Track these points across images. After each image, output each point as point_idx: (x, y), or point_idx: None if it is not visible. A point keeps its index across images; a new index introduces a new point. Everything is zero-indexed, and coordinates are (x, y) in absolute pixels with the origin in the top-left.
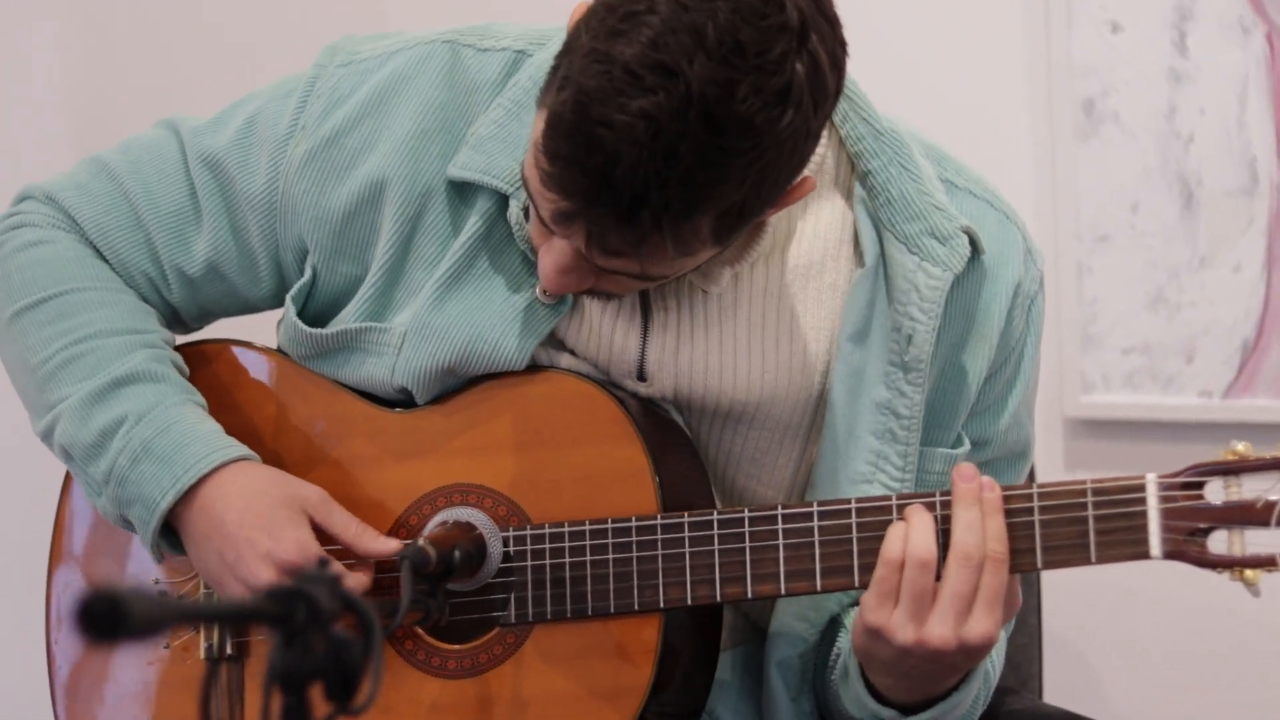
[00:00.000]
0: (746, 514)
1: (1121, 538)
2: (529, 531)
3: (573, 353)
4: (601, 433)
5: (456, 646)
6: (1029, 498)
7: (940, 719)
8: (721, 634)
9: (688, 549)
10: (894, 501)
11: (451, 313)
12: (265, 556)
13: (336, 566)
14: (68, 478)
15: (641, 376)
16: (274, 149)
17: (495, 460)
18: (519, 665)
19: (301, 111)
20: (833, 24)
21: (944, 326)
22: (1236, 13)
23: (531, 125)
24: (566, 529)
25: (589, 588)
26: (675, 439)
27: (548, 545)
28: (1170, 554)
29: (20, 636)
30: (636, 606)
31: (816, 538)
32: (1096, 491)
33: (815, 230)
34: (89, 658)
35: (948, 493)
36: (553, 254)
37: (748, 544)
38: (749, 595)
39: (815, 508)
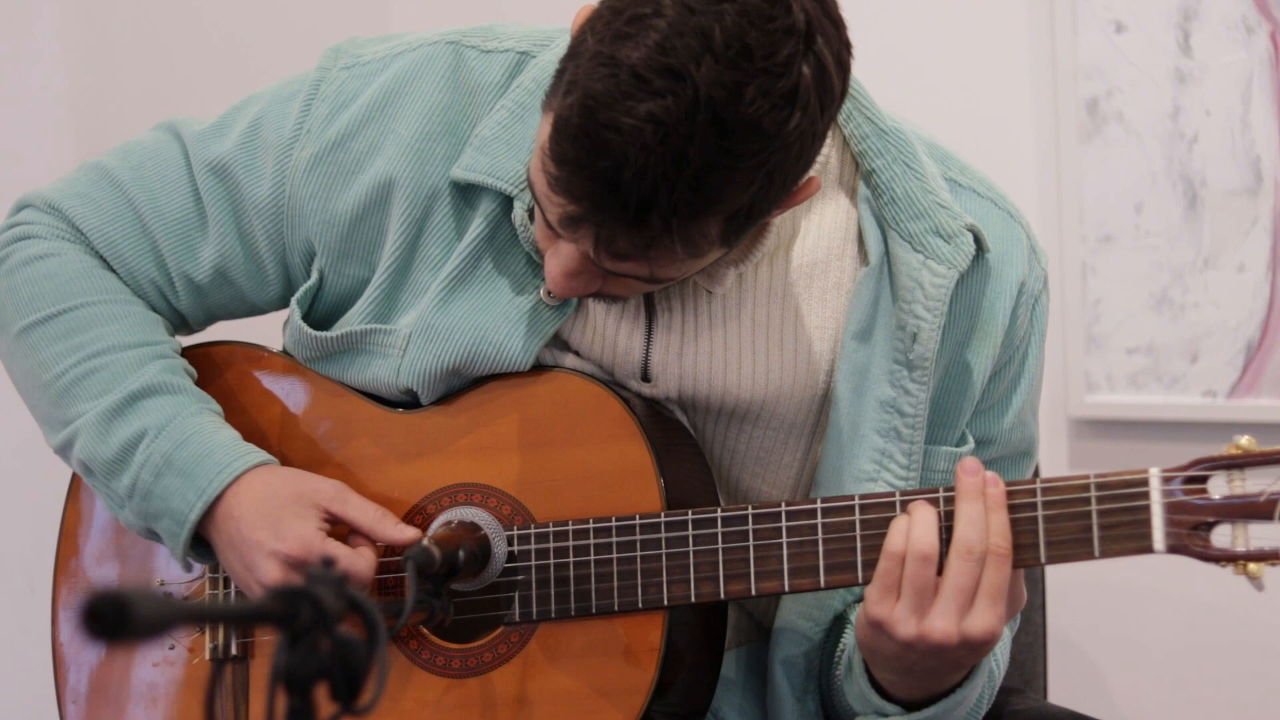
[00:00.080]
0: (750, 511)
1: (1125, 532)
2: (533, 530)
3: (577, 353)
4: (606, 432)
5: (461, 645)
6: (1032, 492)
7: (943, 716)
8: (726, 633)
9: (691, 547)
10: (898, 498)
11: (456, 314)
12: (271, 554)
13: (340, 551)
14: (73, 481)
15: (646, 377)
16: (279, 153)
17: (500, 460)
18: (523, 664)
19: (306, 115)
20: (838, 25)
21: (948, 324)
22: (1240, 13)
23: (535, 127)
24: (570, 528)
25: (593, 586)
26: (680, 438)
27: (552, 544)
28: (1174, 548)
29: (25, 638)
30: (640, 605)
31: (820, 534)
32: (1100, 486)
33: (820, 229)
34: (95, 659)
35: (952, 488)
36: (559, 258)
37: (751, 541)
38: (753, 592)
39: (819, 504)
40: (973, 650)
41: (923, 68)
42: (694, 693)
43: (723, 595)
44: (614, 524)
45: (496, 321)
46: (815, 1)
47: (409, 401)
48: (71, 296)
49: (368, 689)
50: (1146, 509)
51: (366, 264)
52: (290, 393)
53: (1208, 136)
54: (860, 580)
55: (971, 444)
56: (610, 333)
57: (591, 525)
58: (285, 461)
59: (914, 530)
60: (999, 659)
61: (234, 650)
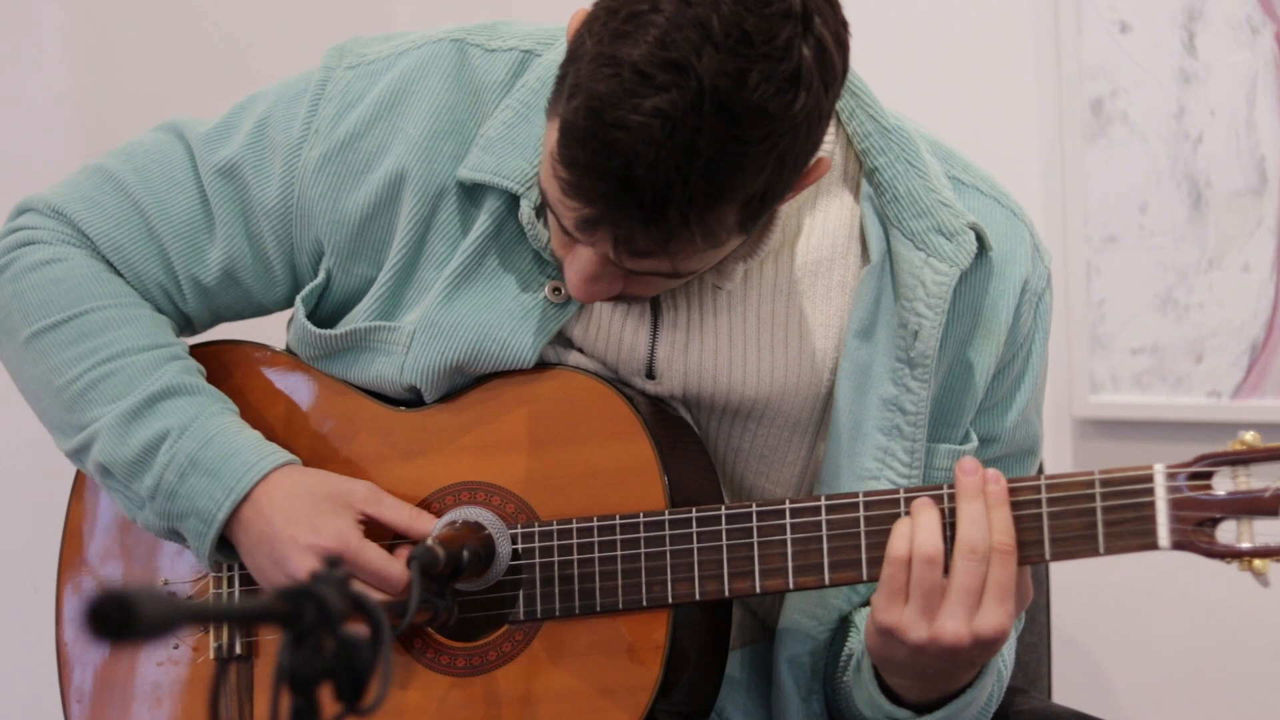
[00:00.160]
0: (754, 509)
1: (1130, 528)
2: (537, 529)
3: (581, 351)
4: (610, 430)
5: (465, 644)
6: (1037, 489)
7: (955, 717)
8: (731, 633)
9: (695, 544)
10: (901, 495)
11: (461, 311)
12: (308, 548)
13: (377, 553)
14: (77, 480)
15: (650, 374)
16: (288, 153)
17: (504, 458)
18: (528, 663)
19: (314, 115)
20: (833, 4)
21: (950, 323)
22: (1245, 13)
23: (540, 125)
24: (575, 526)
25: (597, 584)
26: (684, 436)
27: (556, 542)
28: (1179, 544)
29: (29, 637)
30: (645, 603)
31: (824, 532)
32: (1104, 483)
33: (824, 227)
34: (99, 658)
35: (955, 486)
36: (579, 263)
37: (755, 539)
38: (757, 590)
39: (823, 502)
40: (984, 649)
41: (927, 67)
42: (698, 692)
43: (727, 593)
44: (618, 522)
45: (501, 319)
46: None
47: (413, 400)
48: (80, 302)
49: (372, 688)
50: (1151, 505)
51: (374, 263)
52: (294, 391)
53: (1212, 137)
54: (865, 578)
55: (975, 442)
56: (615, 330)
57: (596, 523)
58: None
59: (918, 534)
60: (1005, 658)
61: (238, 650)
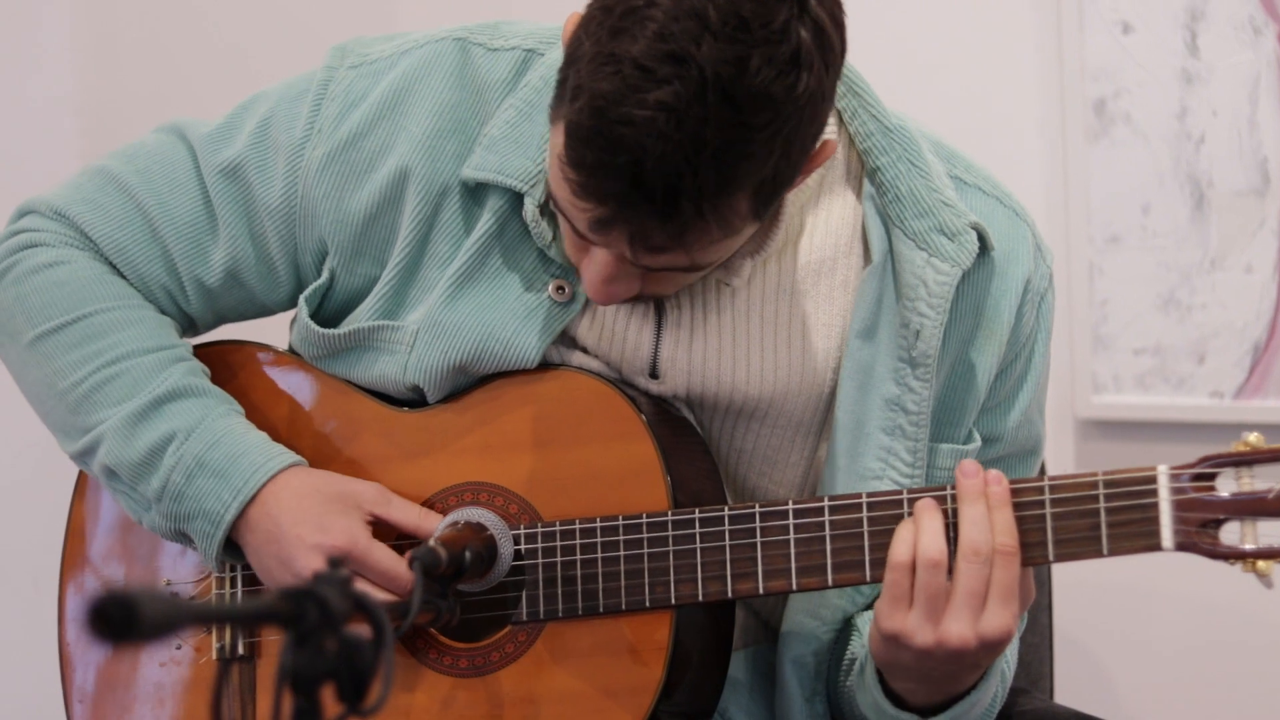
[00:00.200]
0: (758, 509)
1: (1133, 529)
2: (540, 529)
3: (585, 350)
4: (613, 431)
5: (468, 645)
6: (1040, 490)
7: (960, 718)
8: (734, 634)
9: (699, 545)
10: (905, 496)
11: (464, 310)
12: (315, 547)
13: (385, 554)
14: (80, 481)
15: (654, 374)
16: (291, 153)
17: (507, 459)
18: (530, 664)
19: (317, 114)
20: None
21: (952, 322)
22: (1247, 13)
23: (544, 124)
24: (578, 526)
25: (600, 585)
26: (687, 437)
27: (559, 543)
28: (1182, 546)
29: (33, 639)
30: (648, 604)
31: (828, 532)
32: (1108, 484)
33: (827, 226)
34: (102, 659)
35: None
36: (595, 266)
37: (759, 539)
38: (760, 591)
39: (826, 502)
40: (990, 650)
41: (929, 68)
42: (701, 693)
43: (730, 594)
44: (621, 523)
45: (504, 318)
46: None
47: (415, 400)
48: (84, 304)
49: (374, 689)
50: (1155, 506)
51: (378, 262)
52: (297, 392)
53: (1215, 137)
54: (869, 579)
55: (978, 442)
56: (620, 329)
57: (599, 524)
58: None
59: (922, 538)
60: (1009, 658)
61: (241, 650)
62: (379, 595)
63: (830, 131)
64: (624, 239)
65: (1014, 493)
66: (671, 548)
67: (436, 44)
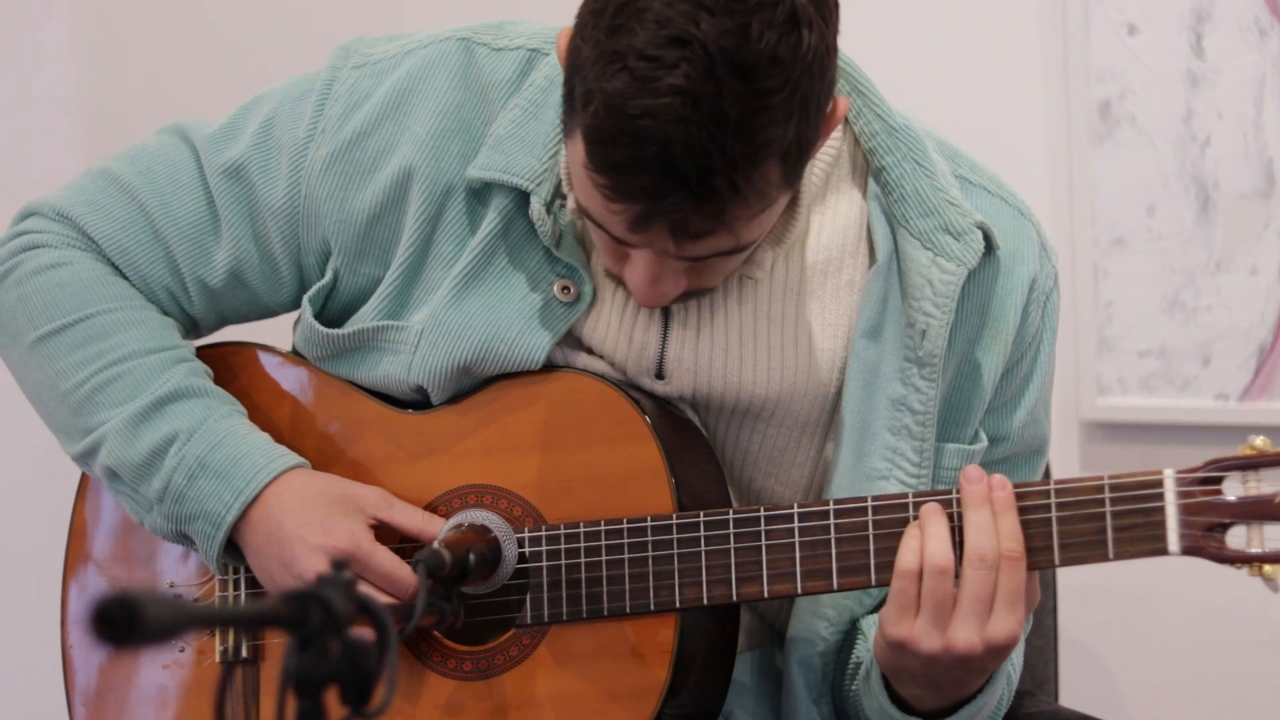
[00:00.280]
0: (762, 513)
1: (1140, 534)
2: (544, 532)
3: (590, 351)
4: (617, 433)
5: (472, 648)
6: (1046, 494)
7: None
8: (739, 636)
9: (703, 548)
10: (910, 499)
11: (469, 310)
12: (318, 549)
13: (388, 556)
14: (82, 483)
15: (660, 374)
16: (294, 153)
17: (511, 461)
18: (535, 667)
19: (320, 114)
20: None
21: (958, 322)
22: (1253, 15)
23: (549, 123)
24: (582, 529)
25: (605, 588)
26: (691, 439)
27: (563, 546)
28: (1188, 550)
29: (36, 640)
30: (652, 607)
31: (833, 536)
32: (1114, 488)
33: (834, 225)
34: (105, 661)
35: None
36: (639, 269)
37: (763, 543)
38: (765, 595)
39: (831, 506)
40: (996, 655)
41: (935, 68)
42: (706, 695)
43: (735, 597)
44: (625, 526)
45: (509, 318)
46: None
47: (419, 401)
48: (86, 305)
49: (378, 692)
50: (1161, 510)
51: (382, 262)
52: (301, 393)
53: (1220, 139)
54: (874, 582)
55: (984, 442)
56: (626, 329)
57: (603, 527)
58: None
59: (928, 544)
60: (1014, 662)
61: (244, 653)
62: (382, 598)
63: (835, 132)
64: (665, 232)
65: (1019, 497)
66: (676, 551)
67: (440, 44)
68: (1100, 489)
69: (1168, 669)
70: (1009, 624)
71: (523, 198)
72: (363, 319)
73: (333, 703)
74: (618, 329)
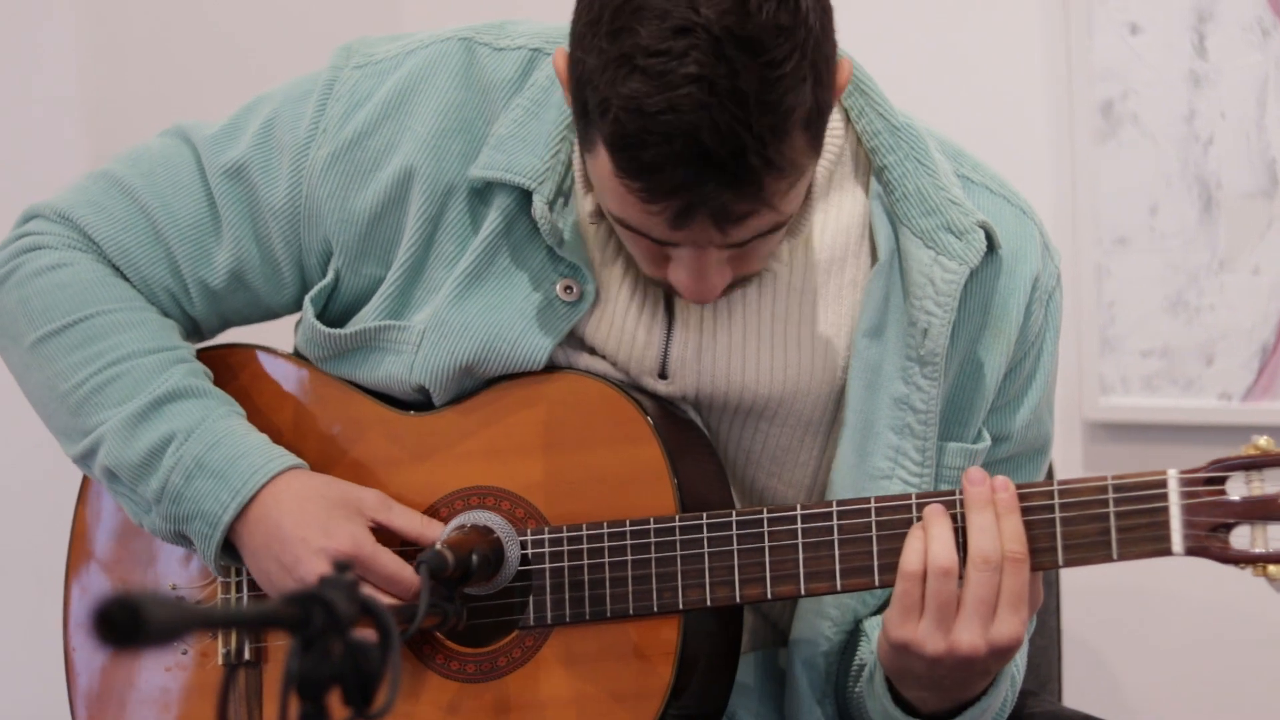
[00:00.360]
0: (765, 514)
1: (1143, 534)
2: (547, 534)
3: (593, 351)
4: (619, 434)
5: (475, 650)
6: (1049, 495)
7: None
8: (742, 636)
9: (706, 550)
10: (914, 500)
11: (471, 310)
12: (320, 552)
13: (390, 558)
14: (84, 485)
15: (663, 374)
16: (295, 153)
17: (513, 462)
18: (538, 668)
19: (321, 114)
20: None
21: (960, 321)
22: (1256, 14)
23: (551, 122)
24: (585, 531)
25: (607, 590)
26: (693, 439)
27: (566, 547)
28: (1192, 550)
29: (38, 642)
30: (655, 608)
31: (836, 537)
32: (1117, 488)
33: (837, 224)
34: (107, 663)
35: None
36: (684, 268)
37: (767, 544)
38: (769, 596)
39: (834, 507)
40: (1000, 657)
41: (937, 69)
42: (709, 696)
43: (738, 599)
44: (628, 528)
45: (512, 318)
46: None
47: (421, 402)
48: (86, 306)
49: (381, 693)
50: (1165, 511)
51: (383, 262)
52: (302, 394)
53: (1223, 139)
54: (877, 584)
55: (988, 441)
56: (630, 329)
57: (606, 529)
58: (305, 462)
59: (932, 546)
60: (1018, 662)
61: (247, 655)
62: (384, 601)
63: (837, 129)
64: (708, 222)
65: (1023, 498)
66: (679, 553)
67: (442, 44)
68: (1104, 490)
69: (1171, 669)
70: (1012, 626)
71: (525, 197)
72: (365, 319)
73: (335, 704)
74: (620, 329)
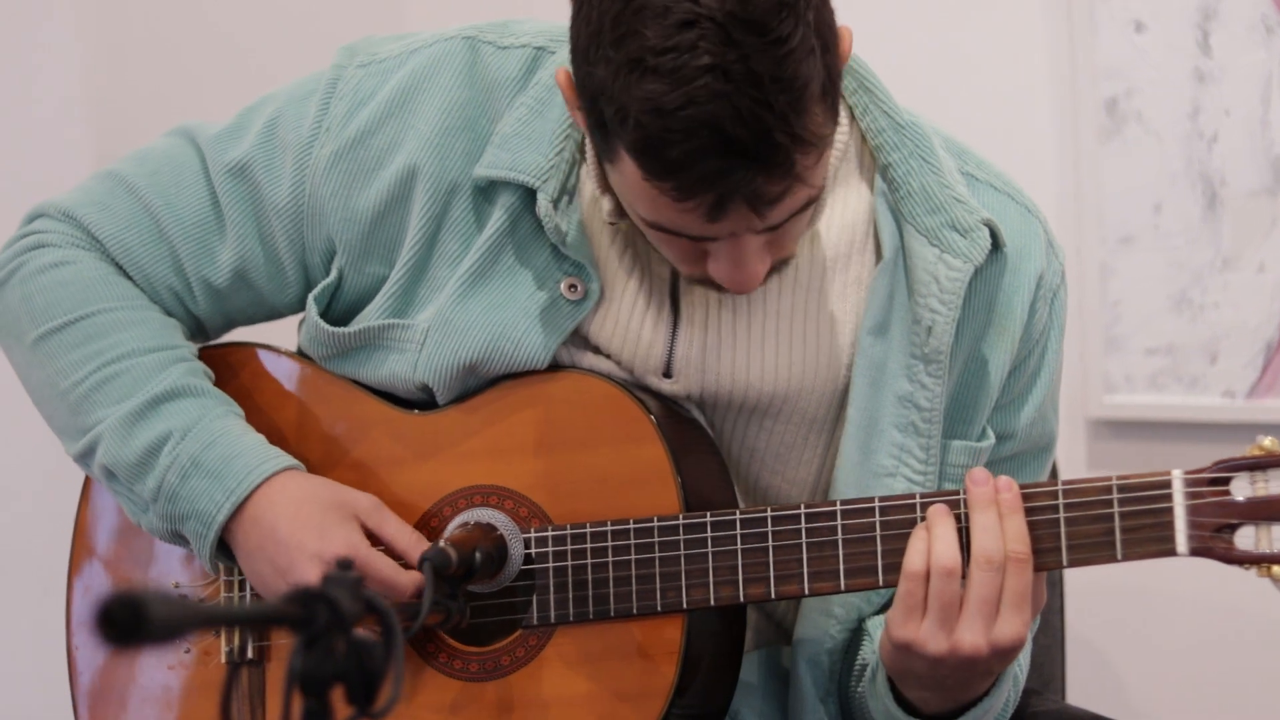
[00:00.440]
0: (769, 514)
1: (1148, 535)
2: (550, 533)
3: (597, 349)
4: (623, 433)
5: (478, 649)
6: (1054, 495)
7: None
8: (746, 635)
9: (710, 549)
10: (918, 500)
11: (475, 309)
12: (315, 556)
13: (385, 563)
14: (86, 483)
15: (668, 373)
16: (299, 152)
17: (516, 461)
18: (541, 667)
19: (325, 113)
20: None
21: (965, 319)
22: (1260, 12)
23: (556, 121)
24: (588, 530)
25: (611, 589)
26: (697, 438)
27: (569, 546)
28: (1197, 551)
29: (40, 641)
30: (659, 608)
31: (840, 537)
32: (1122, 488)
33: (842, 221)
34: (110, 662)
35: None
36: (724, 260)
37: (770, 544)
38: (772, 595)
39: (838, 507)
40: (1002, 657)
41: (942, 67)
42: (713, 695)
43: (742, 598)
44: (631, 527)
45: (515, 317)
46: None
47: (425, 401)
48: (87, 304)
49: (384, 691)
50: (1169, 511)
51: (387, 261)
52: (306, 394)
53: (1227, 136)
54: (881, 584)
55: (992, 439)
56: (634, 328)
57: (609, 528)
58: (301, 463)
59: (935, 545)
60: (1021, 662)
61: (250, 654)
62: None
63: (841, 126)
64: (744, 209)
65: (1027, 498)
66: (683, 552)
67: (446, 43)
68: (1108, 490)
69: (1174, 668)
70: (1015, 626)
71: (529, 195)
72: (368, 317)
73: (339, 702)
74: (625, 327)
